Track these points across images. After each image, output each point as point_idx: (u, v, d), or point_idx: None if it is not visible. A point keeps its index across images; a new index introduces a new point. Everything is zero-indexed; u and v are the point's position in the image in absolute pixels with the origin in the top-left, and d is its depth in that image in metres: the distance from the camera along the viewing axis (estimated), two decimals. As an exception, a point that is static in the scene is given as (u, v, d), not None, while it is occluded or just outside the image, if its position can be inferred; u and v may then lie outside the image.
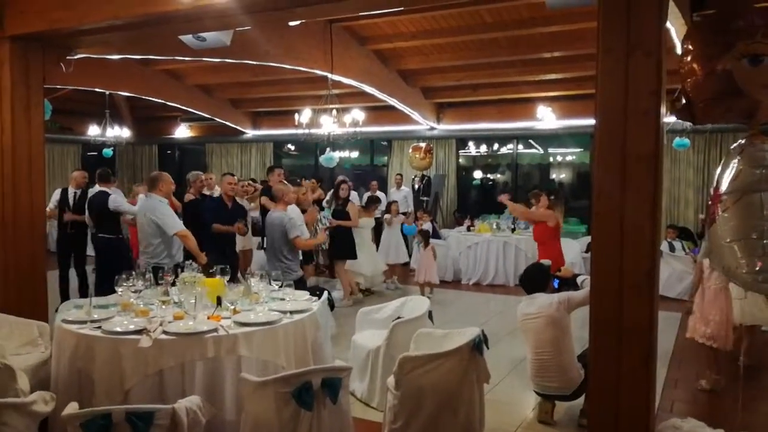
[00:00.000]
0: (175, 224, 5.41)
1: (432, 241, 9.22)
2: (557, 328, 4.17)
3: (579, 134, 11.73)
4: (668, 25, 3.77)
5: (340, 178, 9.47)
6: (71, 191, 7.64)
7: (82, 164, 14.21)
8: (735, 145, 2.96)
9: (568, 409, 4.42)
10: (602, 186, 3.05)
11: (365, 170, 14.70)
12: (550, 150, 13.59)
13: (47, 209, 7.42)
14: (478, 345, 3.49)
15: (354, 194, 10.92)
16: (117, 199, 7.05)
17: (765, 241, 2.73)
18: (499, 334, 6.30)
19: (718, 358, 4.94)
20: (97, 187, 7.26)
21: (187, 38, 4.76)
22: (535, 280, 4.50)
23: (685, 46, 3.02)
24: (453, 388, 3.42)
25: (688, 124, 8.83)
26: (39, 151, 4.90)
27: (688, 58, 2.97)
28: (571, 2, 3.75)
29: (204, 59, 7.86)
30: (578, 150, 13.35)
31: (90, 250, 7.83)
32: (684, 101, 3.00)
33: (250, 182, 8.98)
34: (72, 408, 2.57)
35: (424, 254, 8.44)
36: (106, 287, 6.98)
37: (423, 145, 11.86)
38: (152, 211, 5.39)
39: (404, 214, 10.37)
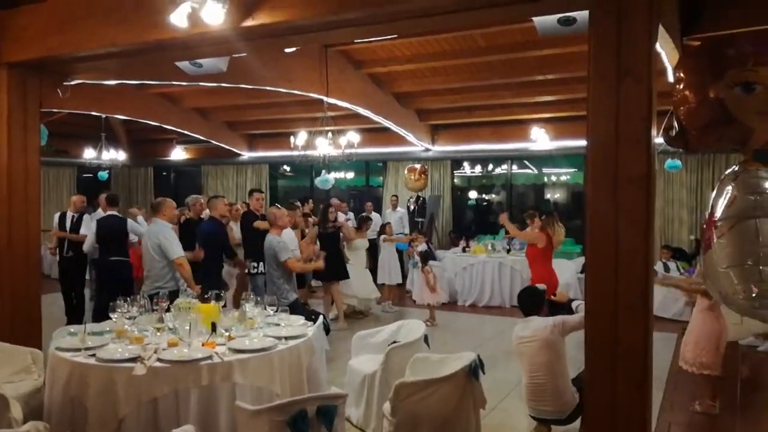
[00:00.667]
0: (176, 251, 5.47)
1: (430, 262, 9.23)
2: (552, 351, 4.17)
3: (572, 155, 11.82)
4: (658, 48, 3.82)
5: (333, 200, 9.50)
6: (69, 215, 7.70)
7: (78, 187, 14.21)
8: (729, 171, 2.99)
9: (564, 432, 4.40)
10: (596, 209, 3.08)
11: (361, 191, 14.74)
12: (545, 170, 13.66)
13: (53, 231, 7.49)
14: (474, 370, 3.48)
15: (350, 215, 10.96)
16: (133, 223, 7.22)
17: (761, 268, 2.74)
18: (496, 356, 6.27)
19: (712, 383, 4.90)
20: (100, 211, 7.34)
21: (183, 64, 4.81)
22: (528, 302, 4.53)
23: (677, 74, 3.07)
24: (449, 413, 3.41)
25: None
26: (35, 175, 4.91)
27: (681, 86, 3.02)
28: (562, 30, 3.81)
29: (200, 84, 7.91)
30: (572, 170, 13.42)
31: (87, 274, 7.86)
32: (677, 129, 3.03)
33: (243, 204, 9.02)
34: (65, 438, 2.55)
35: (418, 277, 8.43)
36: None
37: (418, 166, 11.91)
38: (158, 235, 5.48)
39: (401, 234, 10.40)
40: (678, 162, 9.65)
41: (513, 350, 4.47)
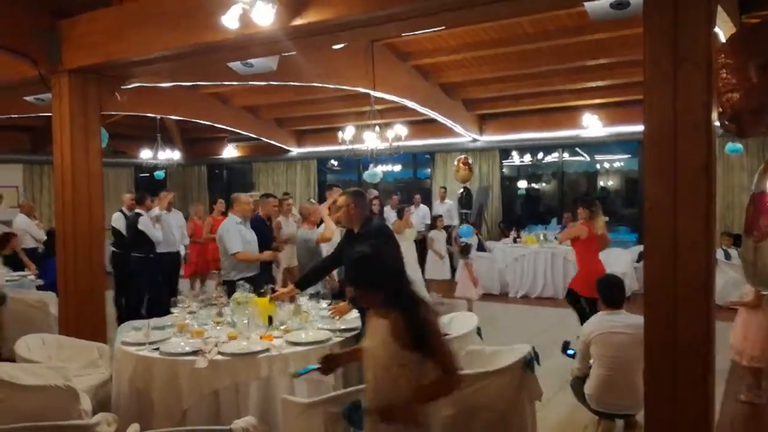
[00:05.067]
0: (232, 246, 5.49)
1: (477, 253, 9.15)
2: (641, 348, 4.01)
3: (626, 141, 11.49)
4: (717, 29, 3.68)
5: (371, 191, 9.41)
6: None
7: (136, 186, 14.70)
8: None
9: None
10: (654, 199, 2.99)
11: (408, 184, 14.74)
12: (597, 157, 13.35)
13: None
14: (529, 362, 3.46)
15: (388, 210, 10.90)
16: (144, 221, 7.44)
17: None
18: (550, 348, 6.16)
19: (756, 374, 4.84)
20: (156, 210, 7.66)
21: (235, 64, 4.90)
22: (615, 292, 4.33)
23: (720, 58, 2.92)
24: (505, 406, 3.39)
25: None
26: (97, 176, 5.12)
27: (727, 70, 2.86)
28: (615, 13, 3.71)
29: (251, 83, 8.05)
30: (626, 156, 13.07)
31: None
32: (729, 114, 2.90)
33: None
34: (134, 429, 2.67)
35: (460, 269, 8.33)
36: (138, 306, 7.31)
37: (462, 157, 11.88)
38: (221, 230, 5.67)
39: (448, 227, 10.32)
40: (739, 145, 9.27)
41: (589, 339, 4.22)
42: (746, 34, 2.90)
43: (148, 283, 7.51)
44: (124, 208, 8.04)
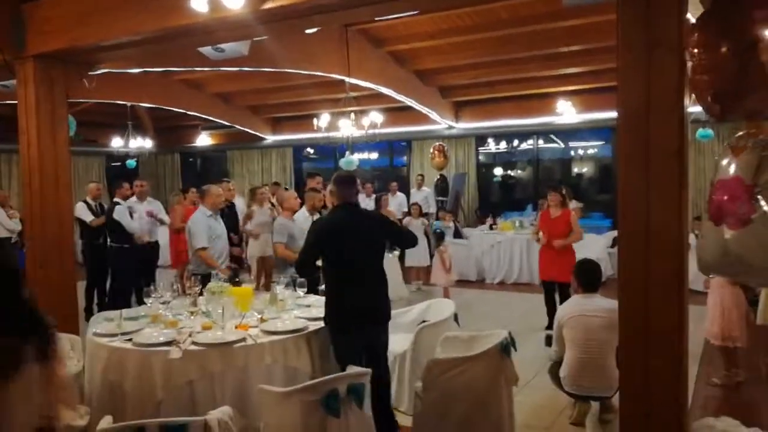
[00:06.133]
0: (198, 242, 5.45)
1: (454, 240, 9.16)
2: (614, 332, 4.05)
3: (600, 127, 11.61)
4: (688, 15, 3.71)
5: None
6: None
7: (107, 175, 14.45)
8: (750, 141, 2.80)
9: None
10: (627, 183, 3.01)
11: (385, 171, 14.72)
12: (571, 144, 13.47)
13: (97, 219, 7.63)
14: (506, 347, 3.48)
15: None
16: (119, 210, 7.33)
17: None
18: (526, 334, 6.26)
19: (730, 355, 4.94)
20: (132, 200, 7.55)
21: (205, 49, 4.81)
22: (591, 277, 4.38)
23: (694, 38, 2.88)
24: (482, 391, 3.41)
25: (712, 114, 8.66)
26: (65, 165, 4.99)
27: (699, 51, 2.82)
28: (588, 0, 3.71)
29: (223, 69, 7.93)
30: (600, 143, 13.21)
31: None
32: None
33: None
34: (106, 422, 2.62)
35: (436, 256, 8.31)
36: (118, 296, 7.24)
37: (437, 144, 11.94)
38: (190, 222, 5.62)
39: (426, 215, 10.33)
40: (710, 131, 9.41)
41: (563, 322, 4.28)
42: (719, 10, 2.87)
43: (123, 274, 7.40)
44: (88, 198, 7.88)
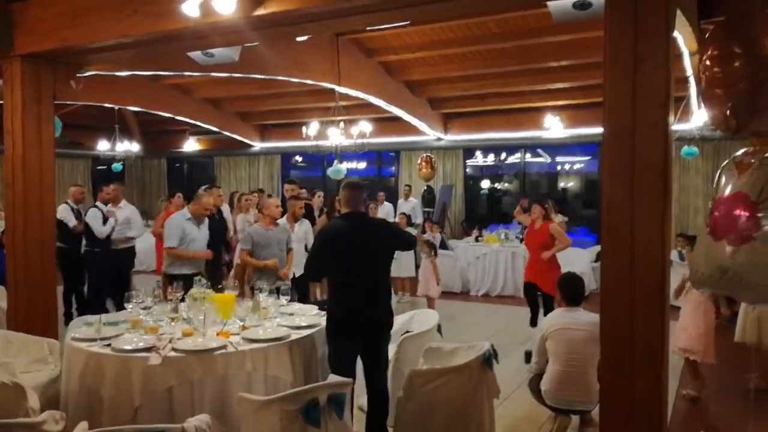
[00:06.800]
0: (166, 242, 5.65)
1: (440, 251, 9.12)
2: (597, 345, 4.06)
3: (586, 143, 11.72)
4: (675, 33, 3.75)
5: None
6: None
7: (92, 178, 14.32)
8: (754, 159, 2.79)
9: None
10: (612, 197, 3.03)
11: (373, 181, 14.72)
12: (558, 158, 13.57)
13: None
14: (488, 359, 3.47)
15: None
16: (91, 214, 7.26)
17: None
18: (509, 346, 6.26)
19: (695, 369, 5.02)
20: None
21: (195, 54, 4.81)
22: (575, 292, 4.40)
23: (710, 50, 2.89)
24: (463, 402, 3.40)
25: (695, 132, 8.78)
26: (49, 167, 4.95)
27: (713, 64, 2.83)
28: (577, 14, 3.75)
29: (212, 74, 7.91)
30: (586, 158, 13.32)
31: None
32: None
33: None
34: (82, 428, 2.57)
35: (424, 266, 8.23)
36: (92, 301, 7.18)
37: (425, 155, 12.02)
38: (165, 223, 5.72)
39: (412, 225, 10.33)
40: (694, 149, 9.52)
41: (546, 335, 4.26)
42: (733, 22, 2.88)
43: (96, 278, 7.34)
44: (69, 201, 7.77)
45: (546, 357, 4.26)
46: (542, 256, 6.34)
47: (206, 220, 5.93)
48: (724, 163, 2.94)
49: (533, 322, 6.30)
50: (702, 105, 3.02)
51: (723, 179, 2.84)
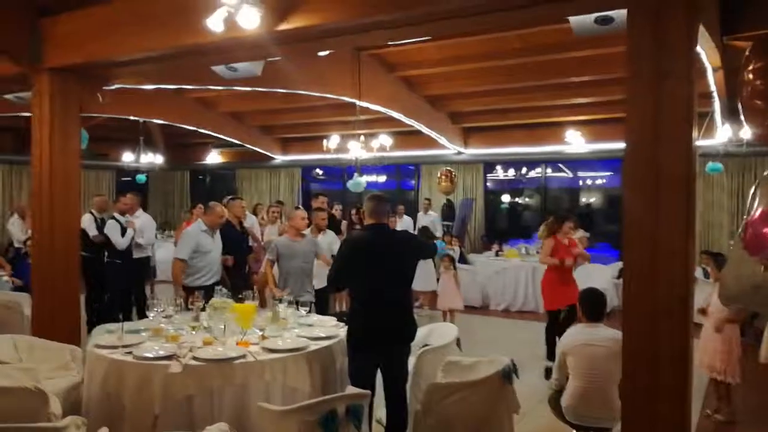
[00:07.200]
0: (175, 252, 5.70)
1: (459, 265, 9.09)
2: (618, 362, 4.02)
3: (608, 158, 11.62)
4: (698, 49, 3.73)
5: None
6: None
7: (116, 189, 14.54)
8: None
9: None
10: (633, 212, 3.01)
11: (392, 194, 14.75)
12: (580, 174, 13.47)
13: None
14: (508, 374, 3.44)
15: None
16: (110, 226, 7.35)
17: None
18: (529, 362, 6.19)
19: (720, 389, 4.94)
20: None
21: (219, 68, 4.87)
22: (597, 308, 4.34)
23: (752, 63, 2.88)
24: (482, 417, 3.37)
25: (720, 148, 8.67)
26: (75, 178, 5.04)
27: (757, 76, 2.82)
28: (599, 29, 3.74)
29: (235, 88, 8.02)
30: (608, 174, 13.20)
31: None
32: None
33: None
34: (103, 433, 2.60)
35: (445, 279, 8.23)
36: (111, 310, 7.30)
37: (444, 169, 12.02)
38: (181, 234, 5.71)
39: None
40: (719, 165, 9.39)
41: (566, 351, 4.22)
42: None
43: (114, 288, 7.44)
44: (93, 210, 7.89)
45: (566, 373, 4.21)
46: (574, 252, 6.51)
47: (218, 232, 5.93)
48: (760, 178, 2.90)
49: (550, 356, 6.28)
50: (742, 116, 2.99)
51: (759, 194, 2.81)
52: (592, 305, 4.36)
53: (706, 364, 4.90)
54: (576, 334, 4.28)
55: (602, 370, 4.01)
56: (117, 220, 7.41)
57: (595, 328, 4.23)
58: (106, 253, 7.50)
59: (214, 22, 3.62)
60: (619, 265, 9.25)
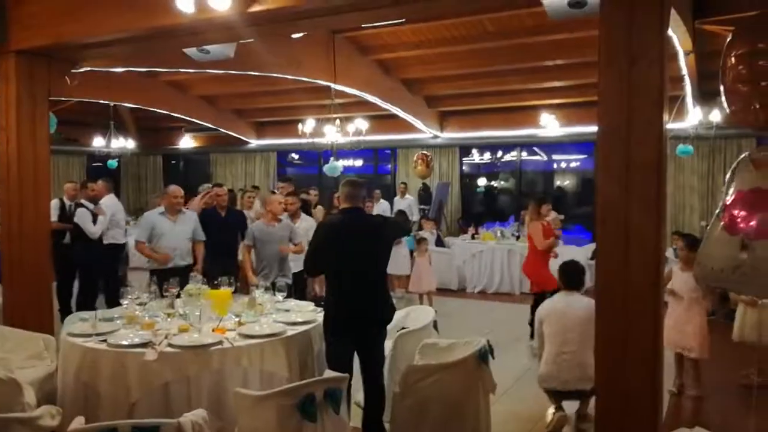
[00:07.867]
0: (137, 236, 5.83)
1: (436, 249, 9.16)
2: (592, 327, 4.12)
3: (582, 141, 11.75)
4: (670, 32, 3.77)
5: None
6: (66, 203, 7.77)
7: (87, 175, 14.26)
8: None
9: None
10: (606, 194, 3.05)
11: (369, 179, 14.72)
12: (554, 157, 13.60)
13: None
14: (484, 355, 3.49)
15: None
16: (80, 214, 7.22)
17: None
18: (505, 342, 6.26)
19: (689, 366, 5.05)
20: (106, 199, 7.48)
21: (191, 51, 4.79)
22: (574, 277, 4.57)
23: (735, 48, 2.92)
24: (459, 398, 3.42)
25: (690, 131, 8.81)
26: (44, 163, 4.93)
27: (740, 61, 2.85)
28: (573, 12, 3.76)
29: (208, 71, 7.90)
30: (582, 156, 13.35)
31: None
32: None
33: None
34: (78, 422, 2.57)
35: (419, 262, 8.29)
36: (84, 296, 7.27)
37: (420, 153, 12.04)
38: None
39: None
40: (689, 147, 9.54)
41: (541, 318, 4.45)
42: (756, 20, 2.91)
43: (87, 273, 7.35)
44: (64, 197, 7.74)
45: (543, 341, 4.36)
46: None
47: (186, 216, 5.86)
48: (737, 161, 2.96)
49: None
50: (724, 100, 3.04)
51: (737, 177, 2.87)
52: (569, 274, 4.59)
53: (673, 342, 5.00)
54: (553, 302, 4.44)
55: (576, 333, 4.17)
56: (86, 207, 7.27)
57: (571, 296, 4.38)
58: (67, 239, 7.35)
59: (185, 3, 3.56)
60: (593, 246, 9.39)
